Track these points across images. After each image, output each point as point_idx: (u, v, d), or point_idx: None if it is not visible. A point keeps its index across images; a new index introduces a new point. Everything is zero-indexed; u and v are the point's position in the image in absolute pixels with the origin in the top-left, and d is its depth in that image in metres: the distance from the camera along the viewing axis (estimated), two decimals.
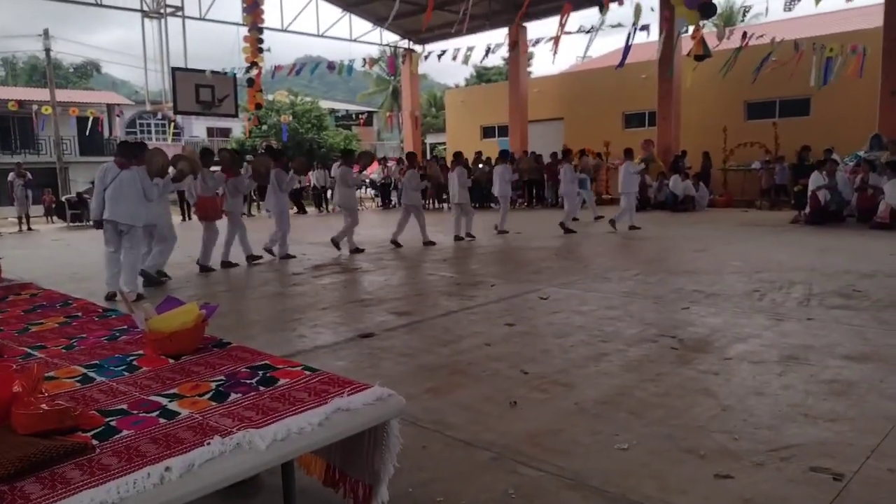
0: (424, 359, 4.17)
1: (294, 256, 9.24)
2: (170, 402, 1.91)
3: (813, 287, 5.94)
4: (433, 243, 10.32)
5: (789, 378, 3.53)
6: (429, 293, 6.48)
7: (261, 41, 17.79)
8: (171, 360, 2.31)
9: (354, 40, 21.87)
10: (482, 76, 42.53)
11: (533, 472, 2.59)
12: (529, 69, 32.83)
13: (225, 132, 37.08)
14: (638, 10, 10.54)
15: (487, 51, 14.33)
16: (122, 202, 6.43)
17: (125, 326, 2.84)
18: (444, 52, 15.91)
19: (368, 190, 22.60)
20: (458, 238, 10.88)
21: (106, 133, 30.37)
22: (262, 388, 1.98)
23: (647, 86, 17.99)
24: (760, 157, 16.30)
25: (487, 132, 24.47)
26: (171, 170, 7.18)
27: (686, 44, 12.68)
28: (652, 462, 2.63)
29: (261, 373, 2.12)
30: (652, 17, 13.62)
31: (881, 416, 2.98)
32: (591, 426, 3.01)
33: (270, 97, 32.41)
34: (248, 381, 2.04)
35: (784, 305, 5.28)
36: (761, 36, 13.18)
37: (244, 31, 17.78)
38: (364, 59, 16.47)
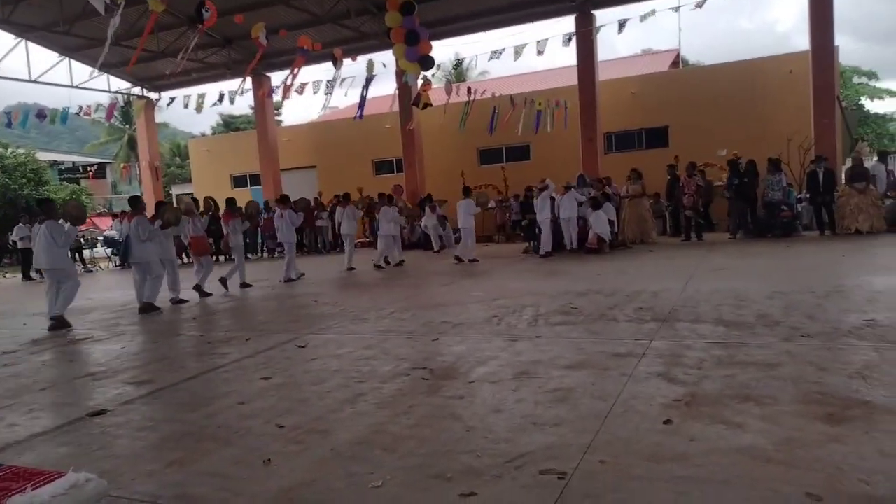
0: (168, 429, 3.80)
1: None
2: None
3: (540, 308, 6.73)
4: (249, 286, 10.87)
5: (522, 392, 3.92)
6: (174, 357, 5.95)
7: None
8: None
9: (76, 87, 19.71)
10: (230, 124, 41.20)
11: None
12: (279, 118, 32.65)
13: None
14: (370, 66, 11.18)
15: (221, 98, 13.94)
16: (39, 250, 8.06)
17: None
18: (172, 99, 15.12)
19: (105, 248, 20.21)
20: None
21: None
22: None
23: (392, 134, 19.05)
24: (494, 197, 18.13)
25: (238, 181, 23.67)
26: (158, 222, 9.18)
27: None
28: (403, 494, 2.70)
29: None
30: (387, 72, 14.54)
31: (593, 416, 3.45)
32: (346, 469, 3.00)
33: None
34: None
35: (517, 327, 5.89)
36: (484, 92, 14.84)
37: None
38: (80, 107, 14.88)
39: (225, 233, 11.10)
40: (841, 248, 10.29)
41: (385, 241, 12.74)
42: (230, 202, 11.43)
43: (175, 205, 10.84)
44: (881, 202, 12.57)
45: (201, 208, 11.21)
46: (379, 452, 3.17)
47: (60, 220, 8.55)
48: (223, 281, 10.55)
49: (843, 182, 13.37)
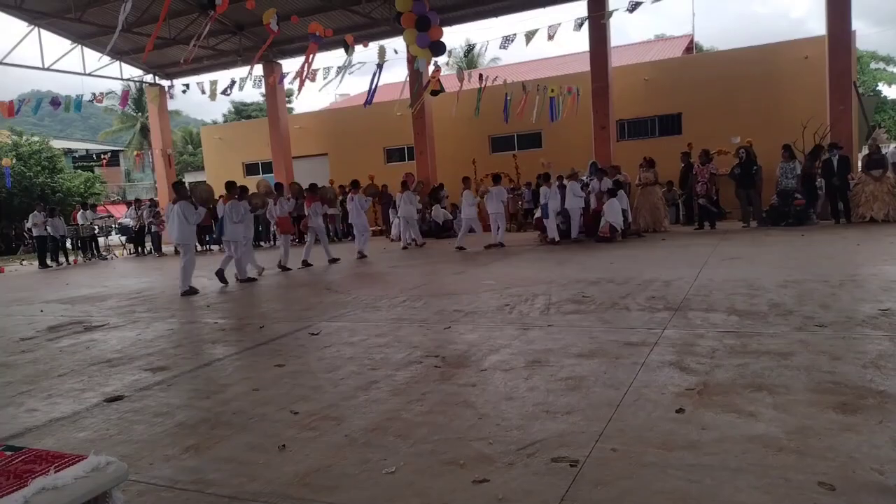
0: (183, 415, 3.86)
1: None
2: None
3: (552, 297, 6.73)
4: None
5: (534, 380, 3.94)
6: (189, 343, 6.03)
7: None
8: None
9: (89, 74, 19.80)
10: (241, 112, 41.29)
11: None
12: (290, 105, 32.66)
13: None
14: (382, 52, 11.12)
15: (231, 84, 13.95)
16: (173, 227, 9.30)
17: None
18: (186, 86, 15.12)
19: (120, 236, 20.38)
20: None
21: None
22: None
23: (404, 122, 19.00)
24: (506, 186, 18.05)
25: (251, 169, 23.74)
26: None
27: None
28: (416, 480, 2.73)
29: None
30: (400, 58, 14.48)
31: (605, 404, 3.46)
32: (360, 456, 3.04)
33: None
34: None
35: (529, 316, 5.90)
36: (496, 78, 14.74)
37: None
38: (94, 94, 14.93)
39: (307, 215, 12.12)
40: (855, 237, 10.19)
41: (465, 224, 13.48)
42: (312, 187, 12.45)
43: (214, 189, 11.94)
44: None
45: (284, 192, 12.62)
46: (392, 439, 3.21)
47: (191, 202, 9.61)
48: (305, 262, 11.71)
49: (860, 169, 13.20)
